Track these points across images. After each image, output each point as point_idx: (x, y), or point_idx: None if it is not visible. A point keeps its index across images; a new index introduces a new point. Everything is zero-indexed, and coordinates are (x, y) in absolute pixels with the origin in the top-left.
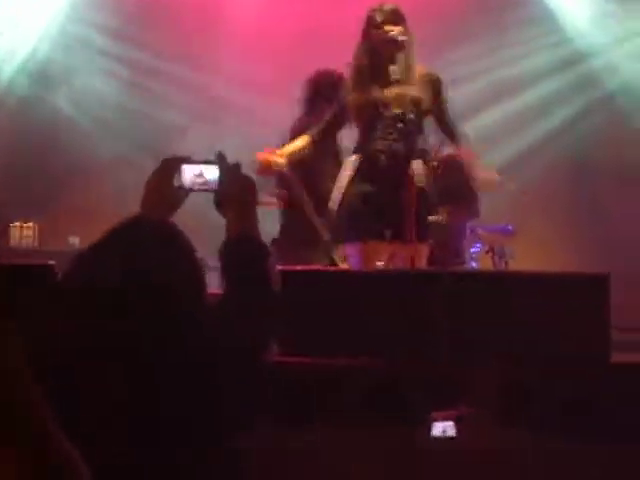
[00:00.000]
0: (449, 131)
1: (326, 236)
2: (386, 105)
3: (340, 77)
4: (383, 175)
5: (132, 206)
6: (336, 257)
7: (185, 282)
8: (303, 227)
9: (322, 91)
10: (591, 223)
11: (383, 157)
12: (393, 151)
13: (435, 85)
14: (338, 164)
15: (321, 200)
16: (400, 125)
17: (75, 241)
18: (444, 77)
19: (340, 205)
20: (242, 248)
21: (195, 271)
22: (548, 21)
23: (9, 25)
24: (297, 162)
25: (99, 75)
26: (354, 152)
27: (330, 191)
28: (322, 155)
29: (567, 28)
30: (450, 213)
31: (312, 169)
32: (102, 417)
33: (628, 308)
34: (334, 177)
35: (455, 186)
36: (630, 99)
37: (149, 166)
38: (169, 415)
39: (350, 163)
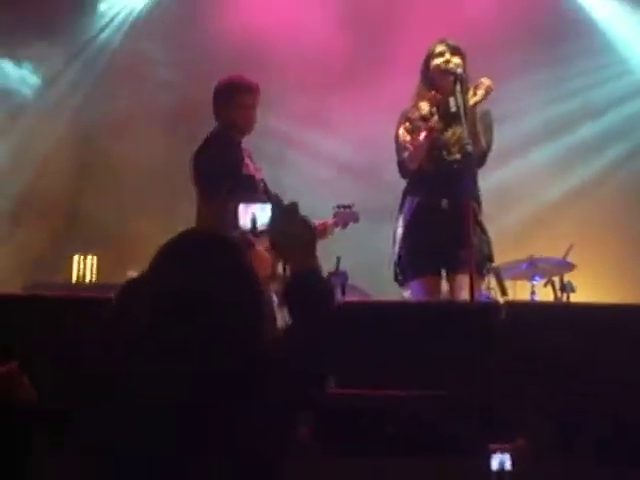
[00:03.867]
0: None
1: None
2: (447, 148)
3: None
4: (443, 219)
5: None
6: None
7: (244, 296)
8: None
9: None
10: None
11: (445, 201)
12: (454, 194)
13: (486, 119)
14: None
15: None
16: (458, 166)
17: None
18: (505, 109)
19: (403, 245)
20: (308, 284)
21: (254, 285)
22: (610, 52)
23: None
24: None
25: None
26: (413, 193)
27: None
28: None
29: (629, 59)
30: None
31: None
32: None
33: None
34: None
35: None
36: None
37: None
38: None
39: (408, 205)
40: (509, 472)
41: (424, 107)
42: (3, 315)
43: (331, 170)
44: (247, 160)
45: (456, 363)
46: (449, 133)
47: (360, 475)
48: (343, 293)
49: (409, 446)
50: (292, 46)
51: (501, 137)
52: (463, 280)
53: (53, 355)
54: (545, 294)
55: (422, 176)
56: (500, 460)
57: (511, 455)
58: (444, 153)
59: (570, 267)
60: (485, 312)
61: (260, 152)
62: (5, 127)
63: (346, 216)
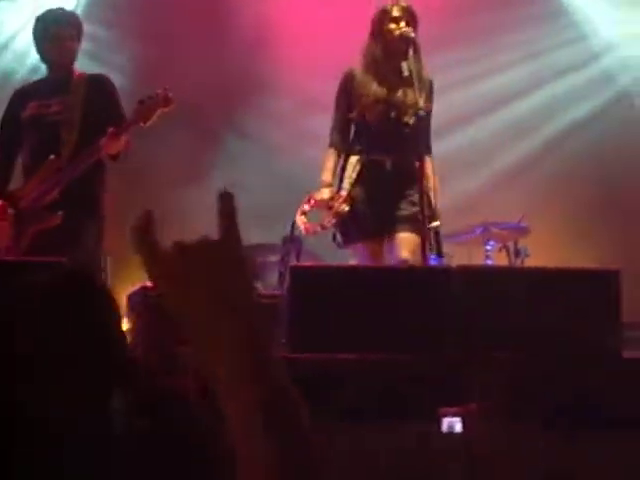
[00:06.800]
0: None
1: None
2: (397, 109)
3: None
4: (387, 179)
5: None
6: None
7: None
8: None
9: None
10: (606, 220)
11: (389, 163)
12: (398, 156)
13: (430, 90)
14: None
15: None
16: (406, 130)
17: None
18: (455, 75)
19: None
20: None
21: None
22: (563, 18)
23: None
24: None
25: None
26: (357, 152)
27: None
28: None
29: (582, 25)
30: None
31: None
32: None
33: None
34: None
35: None
36: None
37: None
38: None
39: (353, 165)
40: (458, 435)
41: (325, 193)
42: None
43: None
44: (34, 102)
45: (408, 327)
46: (400, 94)
47: None
48: (298, 259)
49: (359, 411)
50: None
51: (457, 102)
52: (404, 239)
53: None
54: (500, 260)
55: (367, 132)
56: (449, 423)
57: (461, 418)
58: (393, 113)
59: (524, 232)
60: (439, 276)
61: None
62: None
63: (151, 104)
